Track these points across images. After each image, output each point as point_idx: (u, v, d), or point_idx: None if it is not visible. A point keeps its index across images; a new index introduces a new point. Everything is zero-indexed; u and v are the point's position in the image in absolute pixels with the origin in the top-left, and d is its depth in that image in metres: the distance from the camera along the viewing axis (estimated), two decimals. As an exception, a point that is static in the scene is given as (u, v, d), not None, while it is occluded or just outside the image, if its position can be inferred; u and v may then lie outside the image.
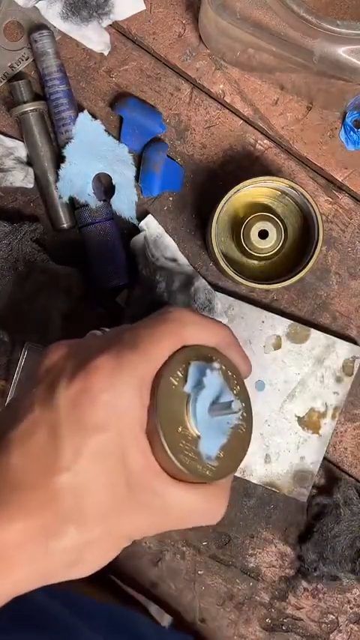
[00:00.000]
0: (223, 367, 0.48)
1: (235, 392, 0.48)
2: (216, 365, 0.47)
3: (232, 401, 0.46)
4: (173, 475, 0.45)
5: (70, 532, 0.43)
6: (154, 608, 1.01)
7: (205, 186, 0.70)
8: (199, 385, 0.46)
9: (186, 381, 0.46)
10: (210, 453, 0.46)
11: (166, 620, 0.96)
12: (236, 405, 0.46)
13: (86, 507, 0.43)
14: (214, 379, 0.47)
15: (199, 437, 0.46)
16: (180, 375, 0.46)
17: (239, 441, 0.48)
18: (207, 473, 0.46)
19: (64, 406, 0.44)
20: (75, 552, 0.44)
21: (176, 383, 0.46)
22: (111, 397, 0.43)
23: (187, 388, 0.46)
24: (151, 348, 0.45)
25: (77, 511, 0.43)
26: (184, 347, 0.47)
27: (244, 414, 0.48)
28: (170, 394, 0.45)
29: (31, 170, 0.68)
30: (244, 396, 0.49)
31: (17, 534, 0.42)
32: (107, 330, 0.51)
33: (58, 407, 0.44)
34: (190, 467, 0.45)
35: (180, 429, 0.45)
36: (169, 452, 0.44)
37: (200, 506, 0.46)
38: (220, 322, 0.49)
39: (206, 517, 0.47)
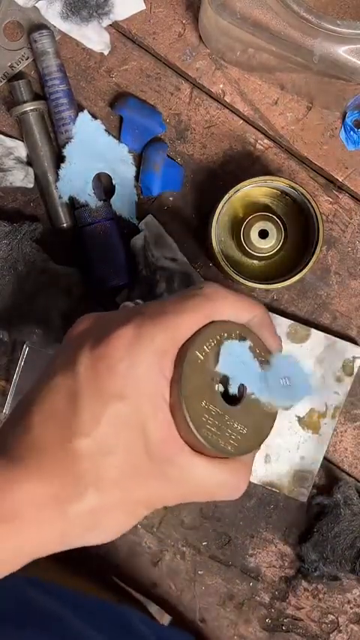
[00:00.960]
0: (252, 345, 0.48)
1: (264, 368, 0.48)
2: (248, 343, 0.47)
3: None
4: (195, 448, 0.46)
5: (87, 496, 0.44)
6: (154, 609, 1.01)
7: (205, 186, 0.70)
8: (230, 362, 0.46)
9: (214, 356, 0.46)
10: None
11: (166, 619, 0.96)
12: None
13: (104, 472, 0.44)
14: (246, 357, 0.47)
15: (224, 414, 0.46)
16: (207, 349, 0.46)
17: (264, 419, 0.48)
18: (229, 448, 0.46)
19: (84, 373, 0.45)
20: (93, 516, 0.44)
21: (202, 357, 0.46)
22: (128, 366, 0.44)
23: (219, 366, 0.46)
24: (173, 321, 0.45)
25: (95, 475, 0.44)
26: (213, 322, 0.47)
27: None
28: (195, 368, 0.45)
29: (31, 170, 0.68)
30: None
31: (35, 495, 0.43)
32: (141, 302, 0.51)
33: (78, 374, 0.45)
34: (212, 441, 0.45)
35: (204, 403, 0.45)
36: (191, 425, 0.45)
37: (220, 480, 0.47)
38: (255, 300, 0.49)
39: (226, 491, 0.47)
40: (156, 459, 0.45)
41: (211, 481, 0.46)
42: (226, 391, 0.47)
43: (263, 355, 0.48)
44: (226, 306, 0.47)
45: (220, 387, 0.47)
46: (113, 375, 0.44)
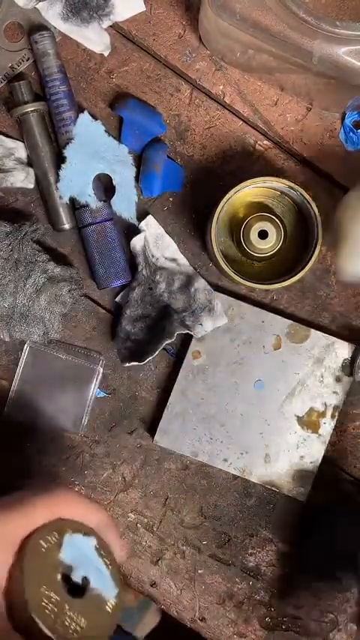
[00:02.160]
0: (97, 546, 0.51)
1: (109, 569, 0.51)
2: (94, 542, 0.51)
3: None
4: (31, 633, 0.47)
5: None
6: (154, 607, 1.01)
7: (205, 187, 0.70)
8: (73, 556, 0.50)
9: (58, 546, 0.50)
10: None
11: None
12: (112, 585, 0.50)
13: None
14: (90, 552, 0.51)
15: (63, 603, 0.48)
16: (53, 539, 0.49)
17: (105, 617, 0.50)
18: (68, 637, 0.48)
19: None
20: None
21: (46, 545, 0.49)
22: None
23: (62, 555, 0.49)
24: (25, 510, 0.50)
25: None
26: (62, 519, 0.51)
27: (116, 594, 0.51)
28: (38, 554, 0.48)
29: (31, 171, 0.69)
30: (115, 575, 0.51)
31: None
32: None
33: None
34: (49, 626, 0.47)
35: (43, 587, 0.48)
36: (28, 606, 0.47)
37: None
38: (99, 506, 0.53)
39: None
40: None
41: None
42: (74, 583, 0.50)
43: (107, 557, 0.51)
44: (73, 507, 0.52)
45: (61, 577, 0.49)
46: None
